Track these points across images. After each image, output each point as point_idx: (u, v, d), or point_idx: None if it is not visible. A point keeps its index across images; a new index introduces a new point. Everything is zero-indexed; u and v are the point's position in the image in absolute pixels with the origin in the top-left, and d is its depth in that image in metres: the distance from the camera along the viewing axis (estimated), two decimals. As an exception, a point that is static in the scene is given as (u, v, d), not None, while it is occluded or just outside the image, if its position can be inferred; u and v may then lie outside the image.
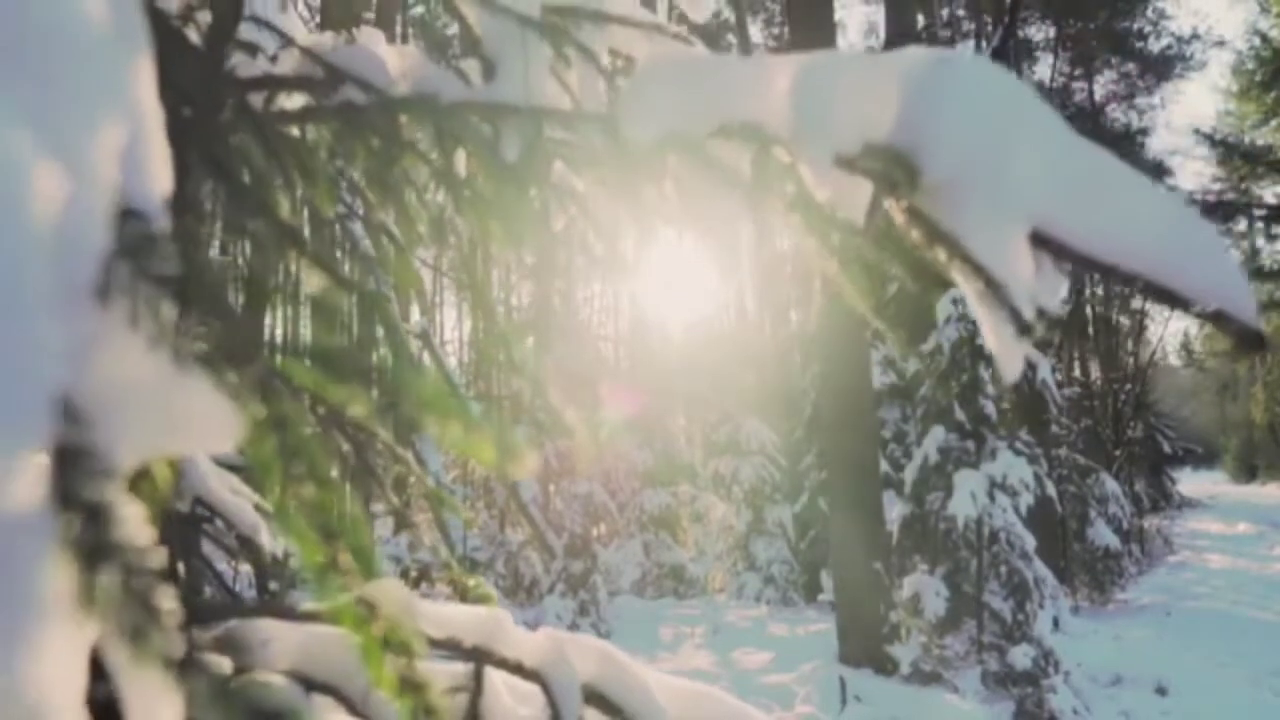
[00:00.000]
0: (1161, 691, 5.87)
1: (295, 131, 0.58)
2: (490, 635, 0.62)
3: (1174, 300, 0.45)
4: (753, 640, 7.44)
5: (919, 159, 0.44)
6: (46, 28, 0.23)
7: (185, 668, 0.21)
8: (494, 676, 0.69)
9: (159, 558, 0.22)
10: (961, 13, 19.59)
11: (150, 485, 0.28)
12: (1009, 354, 0.42)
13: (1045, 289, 0.46)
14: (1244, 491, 29.65)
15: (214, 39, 0.58)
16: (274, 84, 0.61)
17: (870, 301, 0.45)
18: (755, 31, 18.65)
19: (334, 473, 0.27)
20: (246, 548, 0.82)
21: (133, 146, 0.26)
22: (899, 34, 8.16)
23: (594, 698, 0.63)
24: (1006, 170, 0.43)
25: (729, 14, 16.70)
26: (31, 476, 0.17)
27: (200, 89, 0.50)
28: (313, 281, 0.42)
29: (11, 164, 0.19)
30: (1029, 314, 0.42)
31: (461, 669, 0.67)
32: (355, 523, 0.25)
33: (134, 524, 0.21)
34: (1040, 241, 0.45)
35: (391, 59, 0.66)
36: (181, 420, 0.25)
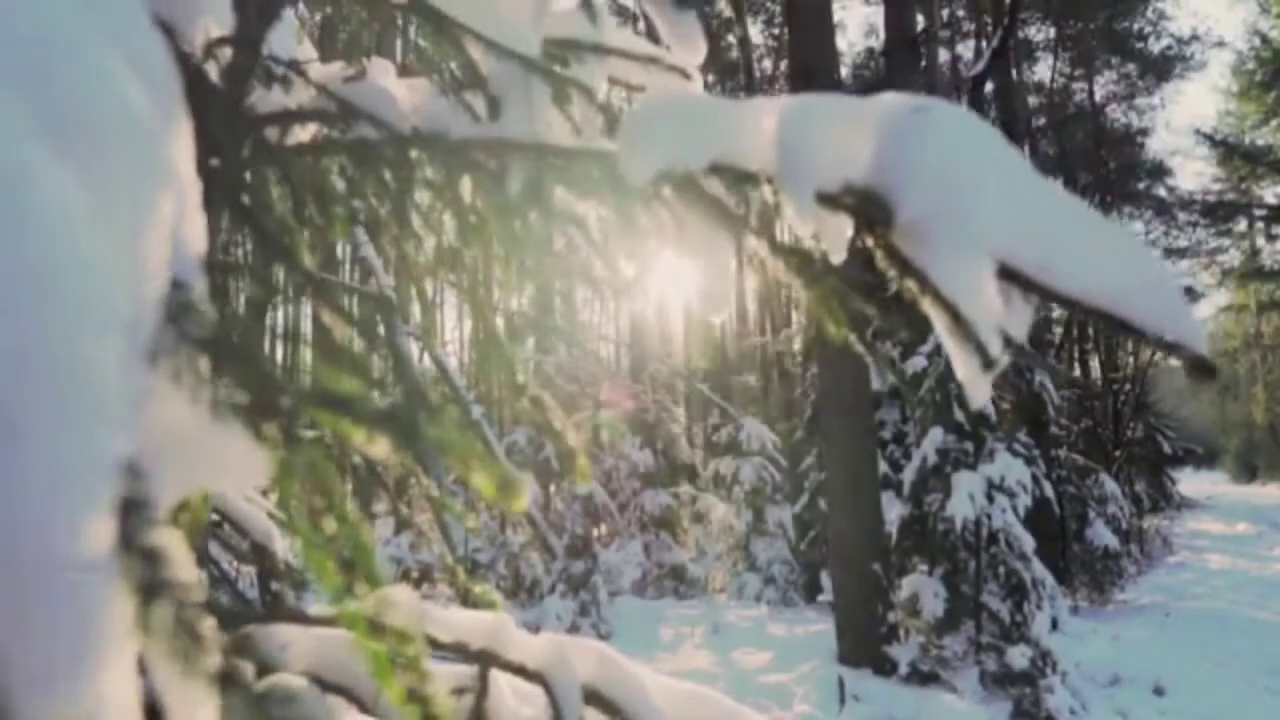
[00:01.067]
0: (1159, 691, 5.90)
1: (311, 165, 0.61)
2: (495, 639, 0.66)
3: (1131, 331, 0.49)
4: (752, 640, 7.47)
5: (893, 200, 0.47)
6: (102, 111, 0.26)
7: (225, 681, 0.24)
8: (498, 678, 0.72)
9: (201, 590, 0.26)
10: (962, 13, 19.61)
11: (188, 515, 0.31)
12: (975, 383, 0.45)
13: (1014, 320, 0.50)
14: (1244, 491, 29.64)
15: (234, 76, 0.62)
16: (291, 118, 0.64)
17: (844, 330, 0.48)
18: (755, 32, 18.67)
19: (351, 507, 0.30)
20: (259, 554, 0.85)
21: (175, 218, 0.29)
22: (898, 36, 8.17)
23: (593, 698, 0.67)
24: (974, 212, 0.47)
25: (729, 14, 16.73)
26: (101, 526, 0.21)
27: (223, 130, 0.53)
28: (336, 329, 0.45)
29: (88, 249, 0.23)
30: (995, 346, 0.45)
31: (467, 671, 0.71)
32: (368, 550, 0.28)
33: (181, 562, 0.24)
34: (1008, 276, 0.49)
35: (401, 93, 0.69)
36: (217, 463, 0.29)
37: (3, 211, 0.21)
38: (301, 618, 0.63)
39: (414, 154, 0.59)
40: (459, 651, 0.66)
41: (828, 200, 0.52)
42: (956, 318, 0.45)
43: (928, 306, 0.47)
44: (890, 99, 0.51)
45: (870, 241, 0.50)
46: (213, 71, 0.65)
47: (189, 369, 0.28)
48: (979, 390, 0.46)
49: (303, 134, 0.69)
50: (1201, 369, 0.48)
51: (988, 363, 0.44)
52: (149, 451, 0.25)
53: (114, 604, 0.20)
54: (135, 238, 0.24)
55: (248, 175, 0.53)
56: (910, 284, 0.48)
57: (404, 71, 0.76)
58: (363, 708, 0.63)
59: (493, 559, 8.92)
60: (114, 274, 0.23)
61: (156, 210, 0.25)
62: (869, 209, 0.49)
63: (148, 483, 0.23)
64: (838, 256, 0.54)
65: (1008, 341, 0.49)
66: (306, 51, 0.78)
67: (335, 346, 0.35)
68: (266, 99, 0.71)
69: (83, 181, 0.23)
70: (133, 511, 0.22)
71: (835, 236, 0.53)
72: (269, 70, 0.67)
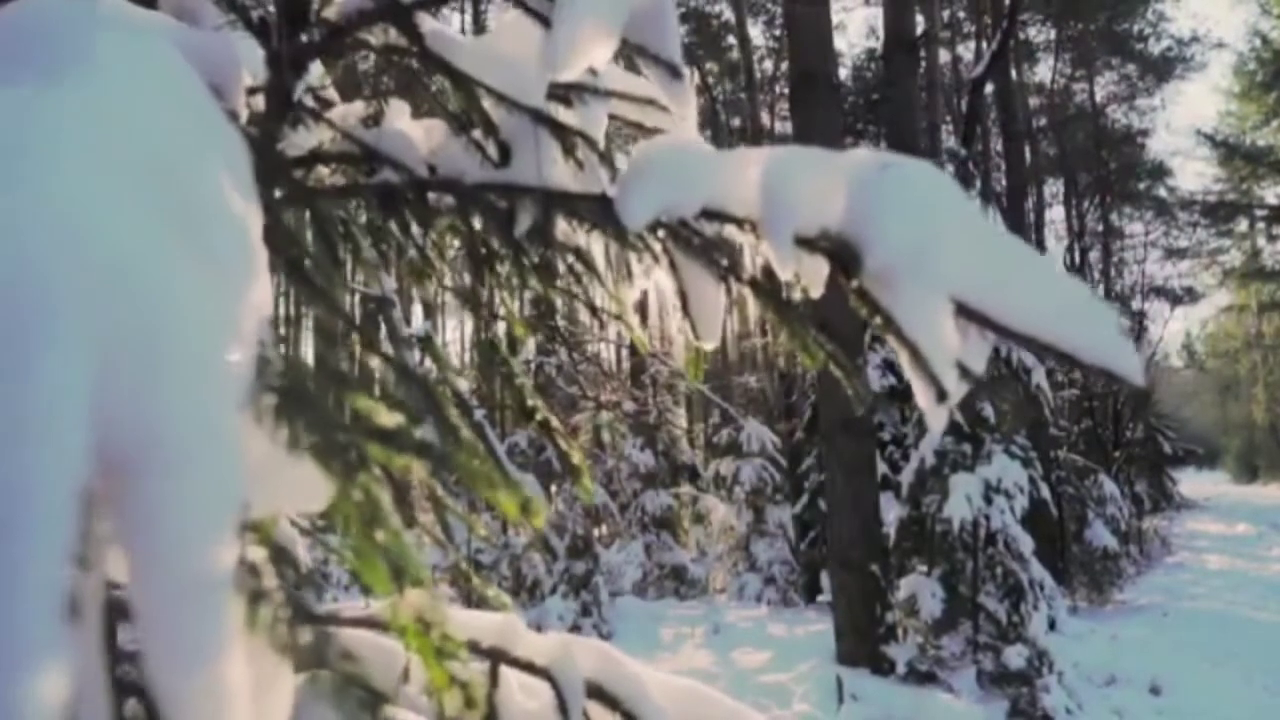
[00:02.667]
0: (1155, 691, 5.96)
1: (337, 206, 0.68)
2: (505, 637, 0.72)
3: (1076, 363, 0.55)
4: (752, 640, 7.53)
5: (862, 248, 0.54)
6: (212, 205, 0.32)
7: (312, 664, 0.30)
8: (506, 674, 0.78)
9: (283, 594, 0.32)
10: (963, 14, 19.63)
11: (263, 531, 0.37)
12: (933, 411, 0.51)
13: (971, 354, 0.56)
14: (1244, 492, 29.63)
15: (268, 123, 0.68)
16: (318, 161, 0.71)
17: (817, 362, 0.54)
18: (756, 33, 18.70)
19: (397, 524, 0.36)
20: (282, 558, 0.91)
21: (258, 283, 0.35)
22: (898, 39, 8.21)
23: (596, 693, 0.73)
24: (934, 259, 0.53)
25: (730, 15, 16.81)
26: (230, 550, 0.27)
27: (262, 178, 0.59)
28: (373, 366, 0.51)
29: (204, 319, 0.29)
30: (950, 380, 0.52)
31: (479, 667, 0.77)
32: (413, 560, 0.35)
33: (269, 574, 0.31)
34: (966, 314, 0.55)
35: (418, 134, 0.75)
36: (290, 490, 0.35)
37: (145, 290, 0.27)
38: (333, 619, 0.69)
39: (432, 196, 0.65)
40: (472, 649, 0.72)
41: (806, 244, 0.58)
42: (915, 354, 0.51)
43: (893, 343, 0.53)
44: (861, 155, 0.57)
45: (843, 283, 0.56)
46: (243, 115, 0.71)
47: (267, 413, 0.34)
48: (937, 418, 0.52)
49: (326, 174, 0.75)
50: (1139, 396, 0.55)
51: (941, 395, 0.50)
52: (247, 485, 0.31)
53: (232, 608, 0.27)
54: (236, 306, 0.30)
55: (284, 219, 0.59)
56: (878, 321, 0.54)
57: (418, 111, 0.83)
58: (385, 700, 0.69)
59: (495, 560, 8.98)
60: (223, 337, 0.29)
61: (250, 281, 0.31)
62: (841, 255, 0.55)
63: (249, 510, 0.29)
64: (816, 292, 0.60)
65: (964, 372, 0.55)
66: (328, 92, 0.84)
67: (376, 383, 0.40)
68: (291, 139, 0.77)
69: (199, 263, 0.29)
70: (241, 535, 0.28)
71: (814, 275, 0.60)
72: (297, 115, 0.73)
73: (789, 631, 7.95)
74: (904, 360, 0.53)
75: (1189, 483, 24.58)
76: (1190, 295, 24.91)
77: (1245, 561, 12.83)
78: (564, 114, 0.72)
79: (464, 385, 0.64)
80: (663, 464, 11.80)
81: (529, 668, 0.72)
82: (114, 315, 0.25)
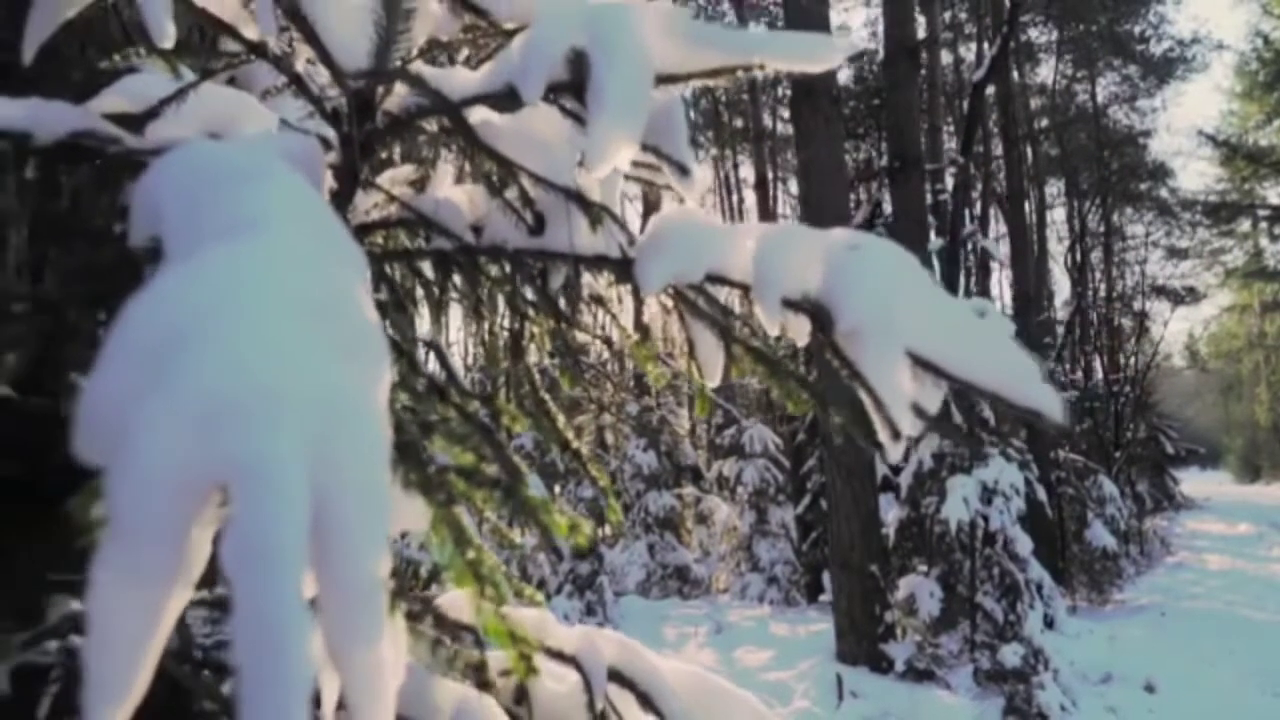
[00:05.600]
0: (1150, 689, 6.07)
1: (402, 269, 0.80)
2: (538, 629, 0.84)
3: (1008, 405, 0.67)
4: (754, 639, 7.66)
5: (834, 313, 0.66)
6: (359, 322, 0.45)
7: (435, 643, 0.43)
8: (536, 661, 0.91)
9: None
10: (964, 16, 19.72)
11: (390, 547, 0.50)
12: (891, 446, 0.64)
13: (926, 397, 0.68)
14: (1247, 492, 29.65)
15: (342, 197, 0.80)
16: (381, 227, 0.83)
17: (799, 406, 0.67)
18: (758, 37, 18.78)
19: (479, 540, 0.49)
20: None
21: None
22: (898, 45, 8.31)
23: (616, 676, 0.85)
24: (893, 322, 0.65)
25: (731, 16, 16.94)
26: (384, 565, 0.39)
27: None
28: (451, 417, 0.64)
29: (371, 401, 0.41)
30: (905, 421, 0.64)
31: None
32: (496, 571, 0.47)
33: (397, 580, 0.43)
34: (920, 364, 0.67)
35: (462, 199, 0.88)
36: (404, 516, 0.48)
37: (327, 391, 0.39)
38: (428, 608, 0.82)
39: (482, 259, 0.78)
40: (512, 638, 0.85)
41: (790, 305, 0.71)
42: (876, 400, 0.63)
43: (859, 390, 0.66)
44: (837, 235, 0.70)
45: (820, 338, 0.69)
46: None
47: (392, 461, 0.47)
48: (894, 451, 0.64)
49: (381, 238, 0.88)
50: (1062, 433, 0.67)
51: (896, 434, 0.62)
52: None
53: (384, 603, 0.39)
54: (377, 388, 0.43)
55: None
56: (846, 372, 0.66)
57: (460, 177, 0.95)
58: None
59: (506, 560, 9.10)
60: (375, 414, 0.41)
61: (383, 368, 0.44)
62: (818, 316, 0.68)
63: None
64: (801, 342, 0.73)
65: (920, 413, 0.68)
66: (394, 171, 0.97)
67: (455, 432, 0.52)
68: (357, 207, 0.90)
69: (353, 362, 0.42)
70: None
71: (798, 330, 0.72)
72: (363, 188, 0.86)
73: (791, 631, 8.07)
74: (869, 404, 0.65)
75: (1192, 482, 24.64)
76: (1192, 295, 24.94)
77: (1245, 561, 12.92)
78: (584, 178, 0.85)
79: (520, 428, 0.76)
80: (666, 465, 11.92)
81: (559, 655, 0.85)
82: (312, 411, 0.38)
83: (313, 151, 0.72)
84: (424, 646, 0.59)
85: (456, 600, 0.84)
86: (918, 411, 0.67)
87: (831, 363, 0.67)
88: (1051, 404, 0.66)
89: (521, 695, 0.92)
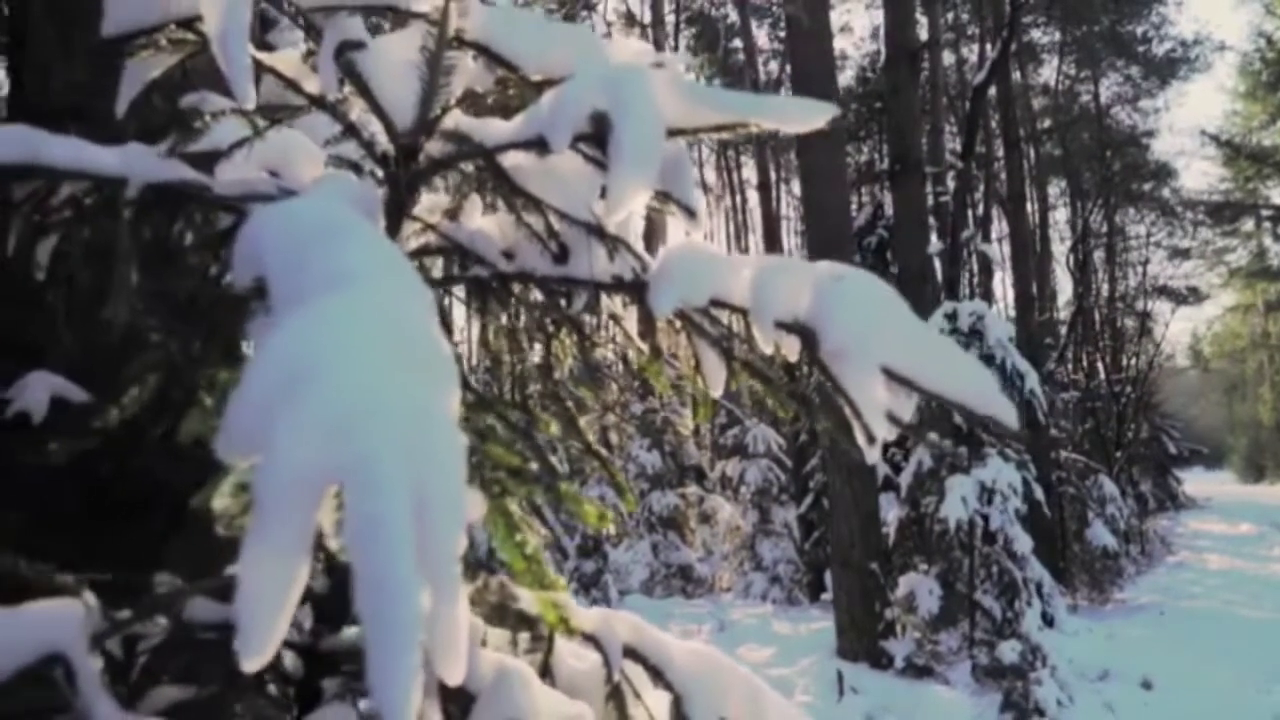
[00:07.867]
0: (1146, 685, 6.16)
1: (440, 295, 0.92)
2: (563, 610, 0.95)
3: (968, 413, 0.79)
4: (757, 637, 7.77)
5: (819, 335, 0.77)
6: (436, 348, 0.56)
7: (500, 610, 0.54)
8: (557, 641, 1.02)
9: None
10: (965, 17, 19.79)
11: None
12: (868, 450, 0.75)
13: (899, 407, 0.79)
14: (1250, 491, 29.65)
15: (390, 231, 0.92)
16: (424, 254, 0.94)
17: (791, 418, 0.78)
18: (761, 35, 18.93)
19: (527, 530, 0.60)
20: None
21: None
22: (900, 49, 8.40)
23: (631, 654, 0.96)
24: (871, 343, 0.76)
25: (734, 18, 17.08)
26: (461, 542, 0.50)
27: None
28: (499, 426, 0.75)
29: (449, 415, 0.53)
30: (880, 427, 0.75)
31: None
32: (541, 561, 0.58)
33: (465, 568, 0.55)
34: (893, 378, 0.79)
35: (494, 230, 0.99)
36: (471, 506, 0.59)
37: (419, 415, 0.51)
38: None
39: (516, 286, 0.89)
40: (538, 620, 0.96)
41: (782, 326, 0.82)
42: (855, 409, 0.74)
43: (840, 401, 0.77)
44: (824, 267, 0.81)
45: (807, 355, 0.80)
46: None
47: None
48: (872, 454, 0.75)
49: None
50: (1012, 437, 0.79)
51: (871, 438, 0.73)
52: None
53: (460, 572, 0.50)
54: (451, 404, 0.54)
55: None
56: (830, 385, 0.78)
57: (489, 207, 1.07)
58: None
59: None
60: (451, 426, 0.53)
61: (454, 387, 0.55)
62: (806, 336, 0.79)
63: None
64: (792, 358, 0.84)
65: (894, 420, 0.79)
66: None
67: (502, 438, 0.62)
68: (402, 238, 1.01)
69: (433, 386, 0.53)
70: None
71: (790, 348, 0.83)
72: (408, 221, 0.97)
73: (793, 628, 8.18)
74: (849, 414, 0.76)
75: (1196, 482, 24.67)
76: (1195, 295, 24.97)
77: (1246, 561, 12.97)
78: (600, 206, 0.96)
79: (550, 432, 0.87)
80: (670, 465, 12.03)
81: (580, 635, 0.96)
82: (408, 425, 0.49)
83: (371, 194, 0.84)
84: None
85: (493, 584, 0.96)
86: (892, 419, 0.78)
87: (817, 377, 0.78)
88: (1007, 412, 0.77)
89: (545, 670, 1.03)
